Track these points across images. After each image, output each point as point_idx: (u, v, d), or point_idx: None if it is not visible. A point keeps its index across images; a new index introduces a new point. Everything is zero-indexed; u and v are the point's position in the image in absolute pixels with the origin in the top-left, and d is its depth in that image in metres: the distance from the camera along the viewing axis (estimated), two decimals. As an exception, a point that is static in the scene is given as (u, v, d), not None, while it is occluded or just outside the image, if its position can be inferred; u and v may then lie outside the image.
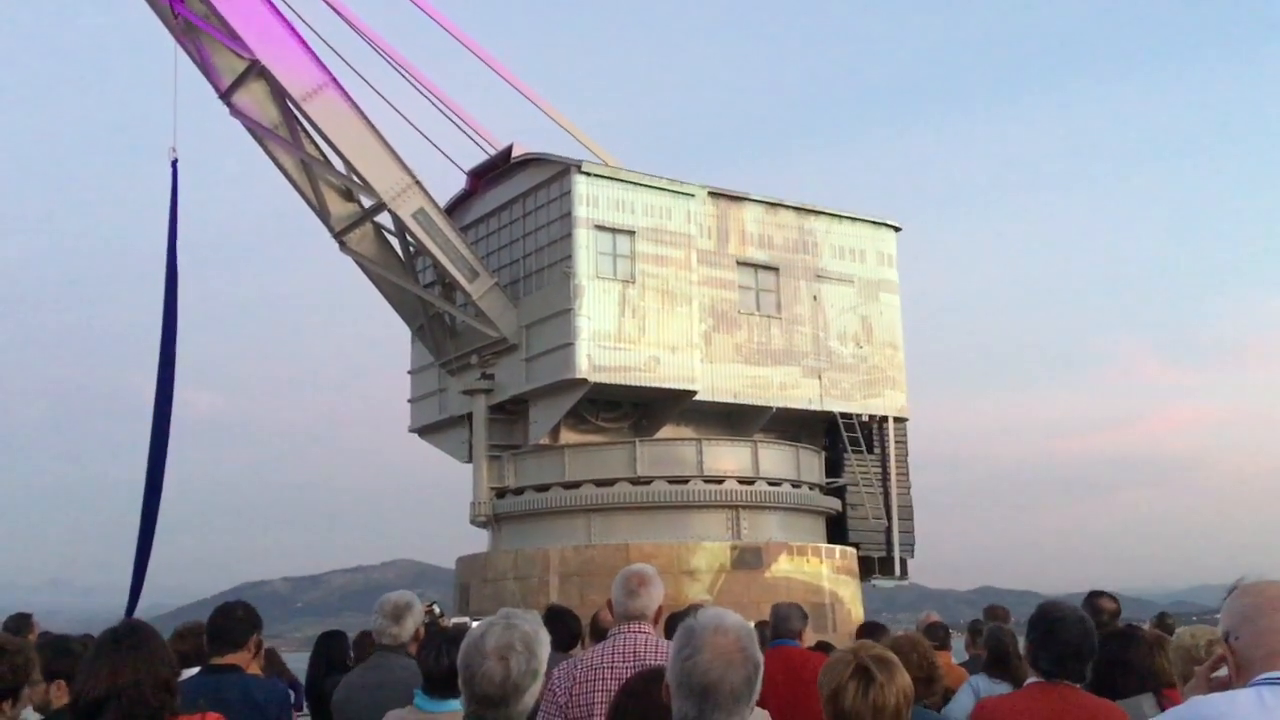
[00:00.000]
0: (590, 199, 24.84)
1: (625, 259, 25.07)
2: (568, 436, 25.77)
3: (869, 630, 8.83)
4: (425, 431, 29.51)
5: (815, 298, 27.72)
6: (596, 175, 25.12)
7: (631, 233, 25.18)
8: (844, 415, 27.46)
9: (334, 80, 23.57)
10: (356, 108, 23.79)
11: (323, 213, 25.46)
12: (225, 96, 23.82)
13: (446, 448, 28.79)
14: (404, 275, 26.66)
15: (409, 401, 30.15)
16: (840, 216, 28.66)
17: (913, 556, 28.42)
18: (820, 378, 27.34)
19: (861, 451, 27.62)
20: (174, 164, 21.87)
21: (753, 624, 4.46)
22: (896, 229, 29.61)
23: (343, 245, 25.74)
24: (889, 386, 28.56)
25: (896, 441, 28.46)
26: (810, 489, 26.42)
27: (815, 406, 27.21)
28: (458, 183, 28.57)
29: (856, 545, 27.21)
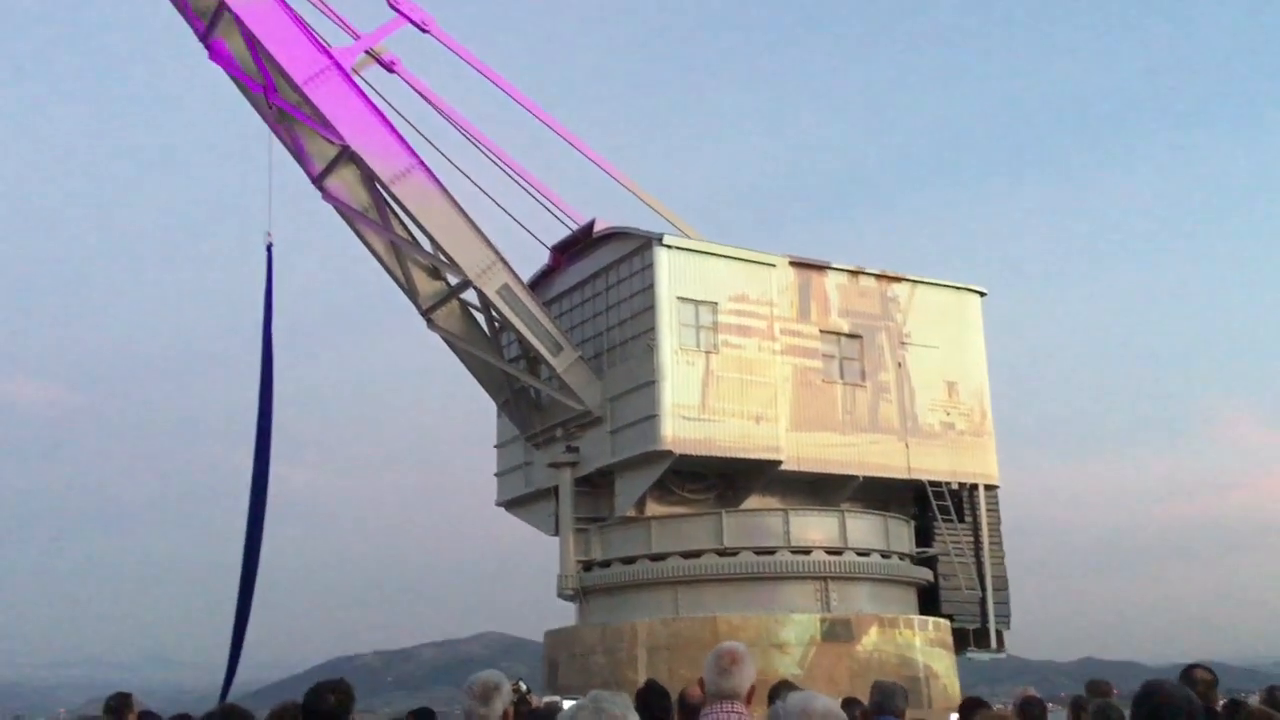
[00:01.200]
0: (672, 271, 25.05)
1: (708, 330, 25.17)
2: (653, 508, 25.74)
3: (971, 706, 8.65)
4: (512, 505, 29.70)
5: (900, 364, 27.49)
6: (677, 248, 25.35)
7: (714, 304, 25.29)
8: (933, 483, 27.05)
9: (420, 162, 24.26)
10: (442, 188, 24.42)
11: (411, 291, 26.04)
12: (318, 182, 24.62)
13: (533, 521, 28.94)
14: (490, 350, 27.06)
15: (495, 475, 30.40)
16: (923, 282, 28.49)
17: (1009, 628, 27.69)
18: (907, 445, 27.00)
19: (952, 520, 27.12)
20: (269, 248, 22.65)
21: (840, 701, 4.43)
22: (981, 293, 29.34)
23: (430, 322, 26.25)
24: (978, 453, 28.08)
25: (988, 509, 27.91)
26: (900, 559, 25.97)
27: (903, 475, 26.85)
28: (541, 258, 29.07)
29: (950, 617, 26.61)
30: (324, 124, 23.57)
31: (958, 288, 29.04)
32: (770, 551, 24.38)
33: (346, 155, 24.04)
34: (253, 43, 23.30)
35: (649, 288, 25.11)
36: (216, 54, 23.87)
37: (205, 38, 23.76)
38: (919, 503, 27.35)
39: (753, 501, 26.03)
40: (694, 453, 24.40)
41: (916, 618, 25.53)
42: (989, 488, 28.11)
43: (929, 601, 26.79)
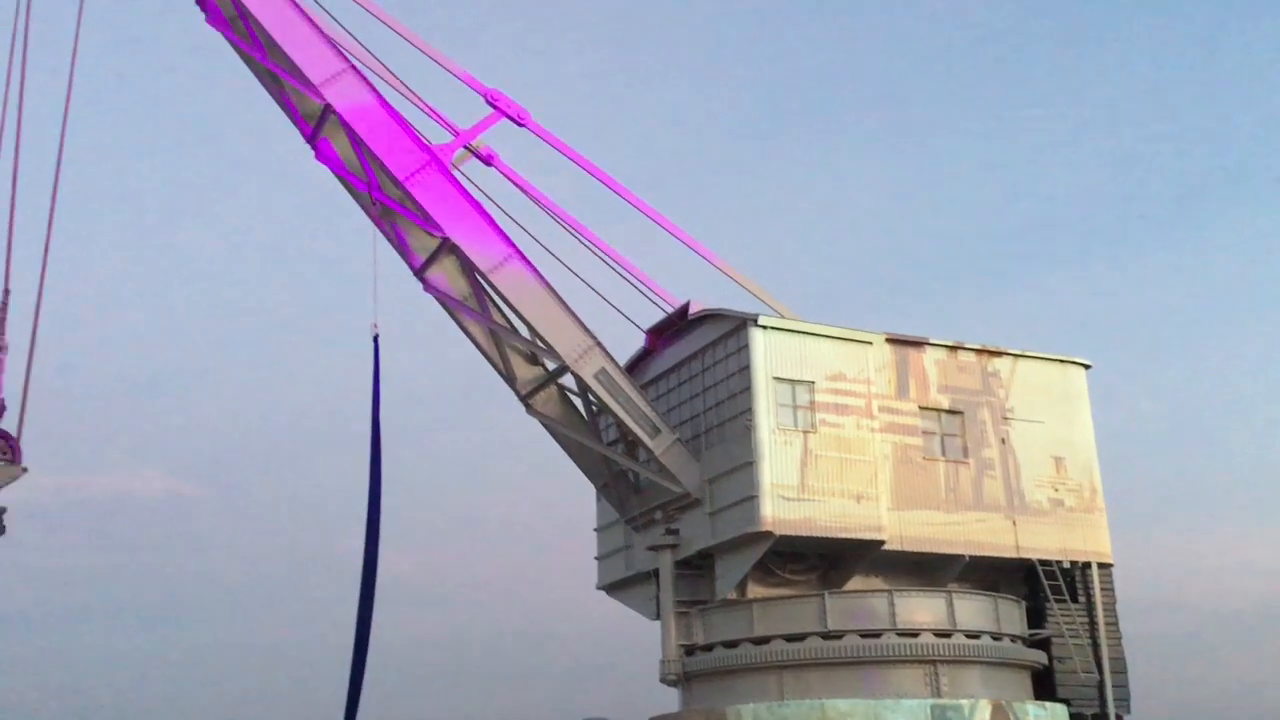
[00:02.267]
0: (768, 352, 25.08)
1: (805, 409, 25.06)
2: (755, 590, 25.47)
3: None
4: (613, 589, 29.65)
5: (1004, 440, 27.01)
6: (773, 328, 25.39)
7: (810, 383, 25.22)
8: (1043, 562, 26.34)
9: (517, 251, 24.86)
10: (539, 275, 24.94)
11: (509, 377, 26.48)
12: (419, 273, 25.35)
13: (634, 604, 28.83)
14: (588, 434, 27.28)
15: (596, 559, 30.43)
16: (1025, 356, 28.07)
17: (1129, 712, 26.57)
18: (1014, 523, 26.39)
19: (1065, 600, 26.32)
20: (375, 338, 23.36)
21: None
22: (1086, 365, 28.77)
23: (529, 407, 26.62)
24: (1089, 530, 27.31)
25: (1102, 588, 27.02)
26: (1012, 641, 25.21)
27: (1011, 554, 26.21)
28: (637, 341, 29.36)
29: (1066, 701, 25.66)
30: (425, 218, 24.33)
31: (1061, 360, 28.53)
32: (876, 634, 23.88)
33: (446, 247, 24.74)
34: (357, 142, 24.24)
35: (745, 369, 25.15)
36: (323, 154, 24.88)
37: (312, 139, 24.80)
38: (1029, 582, 26.61)
39: (856, 582, 25.61)
40: (794, 533, 24.17)
41: (1031, 703, 24.67)
42: (1103, 566, 27.26)
43: (1044, 686, 25.89)
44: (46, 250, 20.22)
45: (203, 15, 24.50)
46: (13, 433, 19.02)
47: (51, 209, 20.40)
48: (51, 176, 20.54)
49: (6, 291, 19.50)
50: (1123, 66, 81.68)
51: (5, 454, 18.77)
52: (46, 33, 21.37)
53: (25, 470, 18.86)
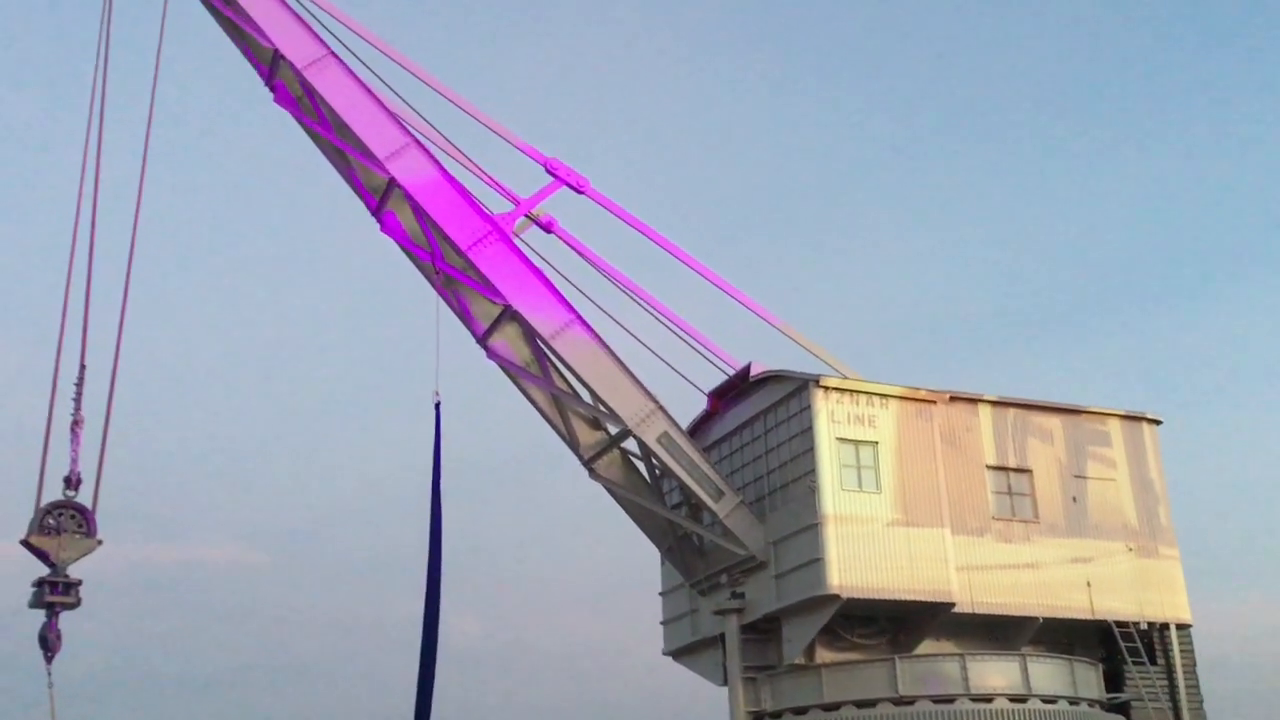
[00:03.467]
0: (830, 412, 24.94)
1: (870, 470, 24.82)
2: (823, 655, 25.07)
3: None
4: (679, 654, 29.36)
5: (1075, 499, 26.51)
6: (835, 388, 25.27)
7: (874, 444, 25.00)
8: (1119, 623, 25.69)
9: (578, 317, 25.06)
10: (600, 340, 25.10)
11: (573, 442, 26.57)
12: (482, 340, 25.63)
13: (701, 670, 28.52)
14: (651, 498, 27.23)
15: (661, 624, 30.20)
16: (1094, 412, 27.64)
17: (1215, 779, 25.70)
18: (1089, 584, 25.80)
19: (1143, 663, 25.61)
20: (437, 406, 23.61)
21: None
22: (1157, 421, 28.24)
23: (592, 472, 26.66)
24: (1166, 590, 26.62)
25: (1182, 649, 26.28)
26: (1090, 706, 24.54)
27: (1086, 615, 25.60)
28: (699, 404, 29.35)
29: (1148, 767, 24.89)
30: (487, 286, 24.66)
31: (1132, 417, 28.04)
32: (949, 699, 23.38)
33: (508, 314, 25.01)
34: (420, 214, 24.71)
35: (808, 430, 25.01)
36: (388, 226, 25.39)
37: (377, 212, 25.33)
38: (1106, 644, 25.96)
39: (927, 646, 25.13)
40: (862, 596, 23.83)
41: (1112, 769, 23.96)
42: (1181, 626, 26.52)
43: (1124, 751, 25.15)
44: (121, 327, 20.79)
45: (270, 95, 25.24)
46: (87, 505, 19.43)
47: (125, 288, 21.03)
48: (126, 256, 21.20)
49: (83, 367, 20.04)
50: (1190, 121, 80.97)
51: (81, 527, 19.16)
52: (120, 124, 22.17)
53: (100, 543, 19.23)
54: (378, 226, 25.54)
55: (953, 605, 24.40)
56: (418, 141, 25.00)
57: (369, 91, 24.93)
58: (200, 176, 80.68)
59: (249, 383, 75.93)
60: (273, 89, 25.27)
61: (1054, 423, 27.11)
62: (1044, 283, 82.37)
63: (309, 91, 24.81)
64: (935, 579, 24.36)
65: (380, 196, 25.10)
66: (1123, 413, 28.00)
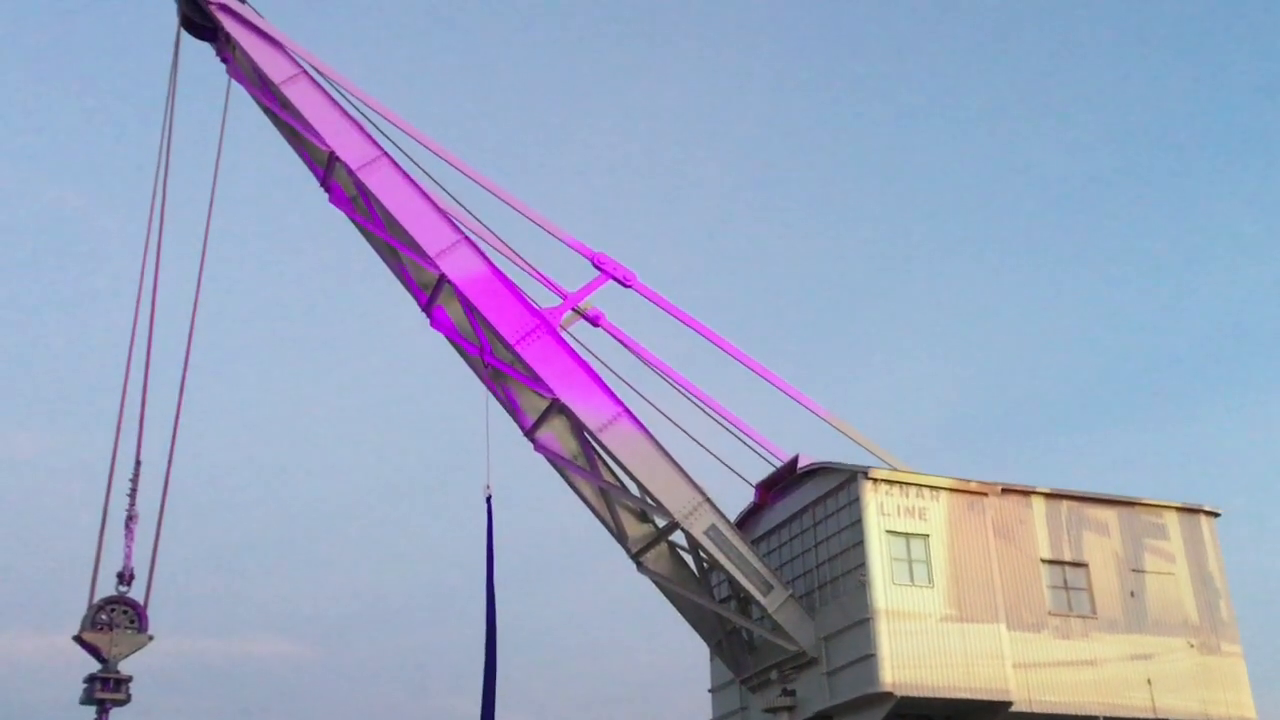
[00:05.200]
0: (880, 504, 24.67)
1: (921, 563, 24.45)
2: (877, 755, 24.46)
3: None
4: (729, 752, 28.77)
5: (1133, 593, 25.91)
6: (883, 480, 25.04)
7: (925, 536, 24.66)
8: (1183, 723, 24.87)
9: (626, 410, 25.11)
10: (647, 433, 25.10)
11: (620, 535, 26.46)
12: (530, 434, 25.73)
13: (752, 769, 27.89)
14: (700, 592, 26.94)
15: (711, 721, 29.66)
16: (1151, 505, 27.13)
17: None
18: (1149, 681, 25.07)
19: (1210, 764, 24.73)
20: (489, 499, 23.70)
21: None
22: (1215, 514, 27.66)
23: (640, 565, 26.48)
24: (1230, 688, 25.80)
25: (1249, 751, 25.37)
26: (1156, 810, 23.71)
27: (1148, 714, 24.83)
28: (746, 496, 29.16)
29: None
30: (535, 379, 24.84)
31: (1190, 509, 27.48)
32: (1008, 802, 22.68)
33: (556, 407, 25.13)
34: (469, 308, 25.06)
35: (857, 522, 24.74)
36: (438, 322, 25.76)
37: (427, 308, 25.72)
38: (1170, 745, 25.13)
39: (984, 746, 24.46)
40: (916, 694, 23.30)
41: None
42: (1248, 726, 25.64)
43: None
44: (176, 421, 21.19)
45: (325, 196, 25.89)
46: (140, 600, 19.60)
47: (181, 387, 21.47)
48: (182, 354, 21.68)
49: (138, 463, 20.39)
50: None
51: (133, 623, 19.31)
52: (178, 224, 22.83)
53: (151, 638, 19.36)
54: (428, 322, 25.92)
55: (1010, 704, 23.78)
56: (467, 238, 25.45)
57: (420, 190, 25.50)
58: (252, 272, 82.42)
59: (301, 480, 76.57)
60: (328, 189, 25.92)
61: (1109, 515, 26.63)
62: (1099, 371, 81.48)
63: (362, 191, 25.42)
64: (992, 676, 23.80)
65: (431, 292, 25.51)
66: (1179, 505, 27.47)
